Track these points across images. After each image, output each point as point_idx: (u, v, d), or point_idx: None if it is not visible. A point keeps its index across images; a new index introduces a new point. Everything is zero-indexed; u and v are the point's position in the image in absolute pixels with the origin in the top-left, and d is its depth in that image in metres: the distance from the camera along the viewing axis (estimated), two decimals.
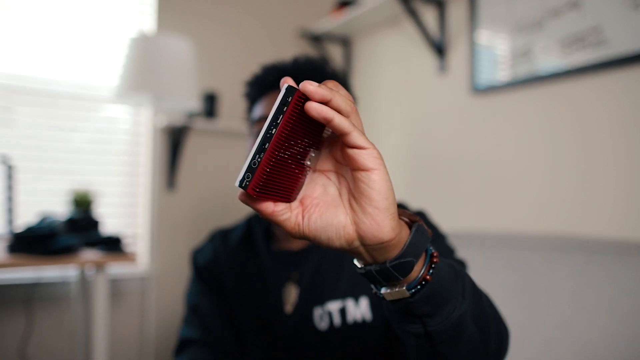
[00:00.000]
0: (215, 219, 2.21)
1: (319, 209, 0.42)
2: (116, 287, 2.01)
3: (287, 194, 0.41)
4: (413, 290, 0.44)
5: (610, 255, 1.21)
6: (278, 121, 0.38)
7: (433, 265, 0.45)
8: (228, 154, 2.27)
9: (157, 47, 1.76)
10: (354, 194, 0.41)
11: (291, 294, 0.83)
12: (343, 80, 0.88)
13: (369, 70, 2.34)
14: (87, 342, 1.85)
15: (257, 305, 0.84)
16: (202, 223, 2.20)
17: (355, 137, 0.39)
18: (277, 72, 0.84)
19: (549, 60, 1.52)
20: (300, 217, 0.42)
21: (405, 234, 0.43)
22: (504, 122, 1.68)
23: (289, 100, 0.38)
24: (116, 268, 1.98)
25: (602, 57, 1.38)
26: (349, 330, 0.78)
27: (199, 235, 2.16)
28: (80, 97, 1.99)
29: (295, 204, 0.42)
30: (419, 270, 0.44)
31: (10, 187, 1.68)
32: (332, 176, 0.44)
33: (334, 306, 0.80)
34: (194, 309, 0.88)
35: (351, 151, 0.40)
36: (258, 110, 0.85)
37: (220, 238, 0.94)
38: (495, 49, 1.70)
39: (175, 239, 2.15)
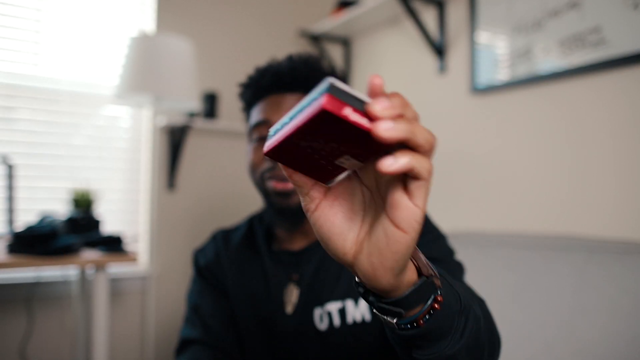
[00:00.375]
0: (216, 218, 2.21)
1: (337, 216, 0.38)
2: (116, 287, 2.02)
3: (311, 173, 0.37)
4: (403, 326, 0.40)
5: (610, 255, 1.22)
6: (303, 110, 0.32)
7: (432, 311, 0.40)
8: (228, 154, 2.27)
9: (157, 47, 1.76)
10: (371, 232, 0.36)
11: (292, 295, 0.83)
12: (341, 78, 0.87)
13: (369, 70, 2.34)
14: (88, 342, 1.85)
15: (258, 305, 0.84)
16: (202, 223, 2.20)
17: (422, 189, 0.33)
18: (271, 75, 0.83)
19: (549, 60, 1.52)
20: (314, 203, 0.38)
21: (407, 281, 0.38)
22: (503, 122, 1.69)
23: (319, 100, 0.30)
24: (116, 268, 1.99)
25: (601, 57, 1.38)
26: (348, 330, 0.78)
27: (199, 235, 2.16)
28: (81, 97, 1.99)
29: (317, 188, 0.38)
30: (413, 314, 0.40)
31: (10, 187, 1.68)
32: (367, 194, 0.38)
33: (333, 306, 0.80)
34: (195, 309, 0.88)
35: (399, 200, 0.33)
36: (255, 116, 0.84)
37: (222, 238, 0.94)
38: (495, 49, 1.70)
39: (176, 238, 2.15)
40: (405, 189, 0.33)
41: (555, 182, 1.52)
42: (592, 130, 1.43)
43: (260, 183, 0.83)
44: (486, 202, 1.73)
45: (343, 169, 0.37)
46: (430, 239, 0.78)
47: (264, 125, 0.81)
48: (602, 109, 1.41)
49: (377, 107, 0.30)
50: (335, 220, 0.38)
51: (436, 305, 0.40)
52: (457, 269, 0.75)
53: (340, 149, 0.34)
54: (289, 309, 0.82)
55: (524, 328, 1.28)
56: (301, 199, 0.38)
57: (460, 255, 0.84)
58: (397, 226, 0.34)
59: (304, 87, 0.82)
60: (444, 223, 1.81)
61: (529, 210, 1.59)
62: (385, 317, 0.41)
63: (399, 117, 0.31)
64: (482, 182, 1.75)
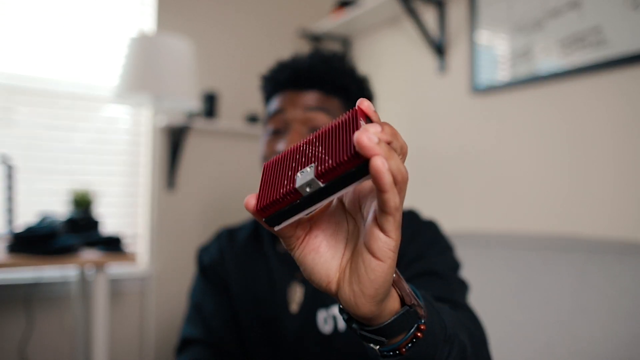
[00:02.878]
0: (215, 218, 2.21)
1: (321, 245, 0.38)
2: (116, 287, 2.01)
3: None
4: (385, 353, 0.41)
5: (609, 255, 1.22)
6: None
7: (414, 339, 0.40)
8: (228, 154, 2.27)
9: (157, 47, 1.76)
10: (352, 260, 0.37)
11: (296, 293, 0.82)
12: (362, 77, 0.88)
13: (369, 70, 2.34)
14: (87, 342, 1.85)
15: (262, 305, 0.84)
16: (202, 223, 2.20)
17: (390, 222, 0.33)
18: (290, 70, 0.83)
19: (549, 60, 1.52)
20: (299, 241, 0.38)
21: (389, 310, 0.38)
22: (503, 122, 1.69)
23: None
24: (116, 268, 1.98)
25: (601, 57, 1.38)
26: (353, 335, 0.78)
27: (198, 235, 2.16)
28: (81, 97, 1.99)
29: (301, 225, 0.38)
30: (395, 342, 0.40)
31: (10, 187, 1.68)
32: (351, 222, 0.39)
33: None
34: (197, 308, 0.88)
35: (372, 229, 0.34)
36: (271, 107, 0.85)
37: (227, 237, 0.94)
38: (495, 49, 1.70)
39: (175, 238, 2.15)
40: (379, 225, 0.34)
41: (555, 182, 1.52)
42: (592, 130, 1.43)
43: None
44: (486, 202, 1.73)
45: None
46: (438, 251, 0.77)
47: (279, 115, 0.81)
48: (602, 108, 1.41)
49: (367, 142, 0.30)
50: (319, 249, 0.38)
51: (419, 334, 0.40)
52: (458, 287, 0.73)
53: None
54: (294, 307, 0.81)
55: (524, 328, 1.28)
56: (284, 242, 0.38)
57: (461, 255, 0.84)
58: (373, 255, 0.34)
59: (321, 86, 0.82)
60: (443, 223, 1.81)
61: (529, 210, 1.59)
62: (368, 344, 0.41)
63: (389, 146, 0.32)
64: (482, 182, 1.75)
